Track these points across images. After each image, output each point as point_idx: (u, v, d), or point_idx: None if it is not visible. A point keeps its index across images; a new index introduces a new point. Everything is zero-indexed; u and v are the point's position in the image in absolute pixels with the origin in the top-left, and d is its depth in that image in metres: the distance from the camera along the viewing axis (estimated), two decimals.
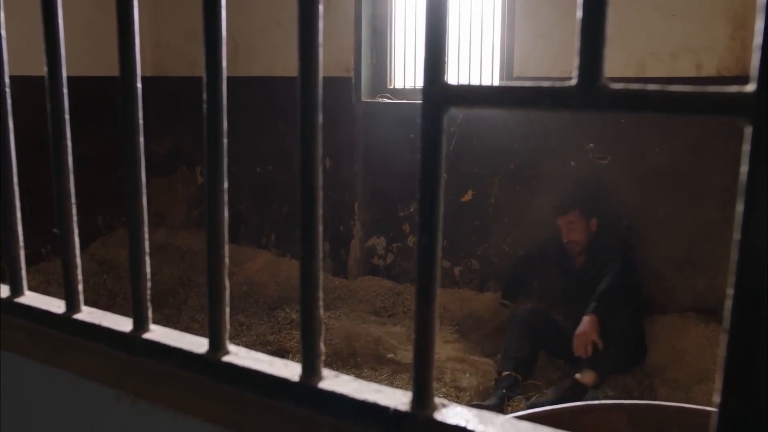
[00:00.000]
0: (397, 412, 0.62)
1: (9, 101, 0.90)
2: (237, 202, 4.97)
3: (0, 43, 0.89)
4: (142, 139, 0.79)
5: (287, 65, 4.43)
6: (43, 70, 0.82)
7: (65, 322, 0.88)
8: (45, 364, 0.85)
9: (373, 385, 0.67)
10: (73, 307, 0.89)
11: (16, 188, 0.93)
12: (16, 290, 0.96)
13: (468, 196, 4.07)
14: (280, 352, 3.51)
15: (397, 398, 0.63)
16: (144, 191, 0.80)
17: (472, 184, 4.07)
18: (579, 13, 0.49)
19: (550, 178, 3.78)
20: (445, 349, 3.36)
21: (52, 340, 0.88)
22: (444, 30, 0.55)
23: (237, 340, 3.74)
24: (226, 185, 0.73)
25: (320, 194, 0.66)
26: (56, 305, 0.90)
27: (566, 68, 3.57)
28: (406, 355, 3.40)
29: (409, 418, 0.61)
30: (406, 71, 4.36)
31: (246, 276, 4.67)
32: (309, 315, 0.68)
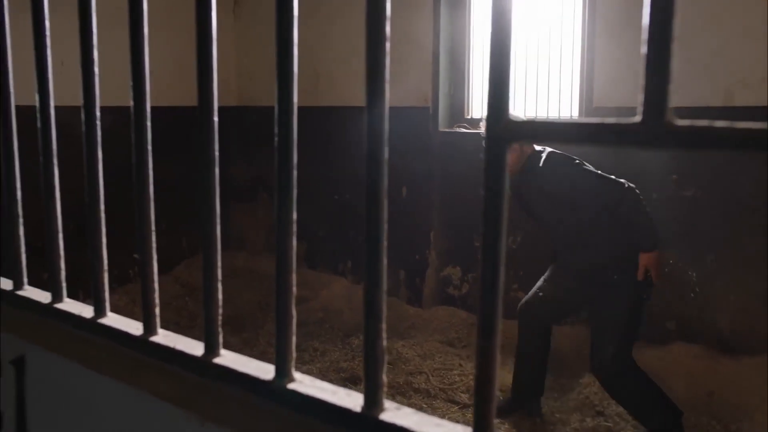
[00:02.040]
0: None
1: (99, 131, 0.96)
2: (315, 229, 5.06)
3: (93, 79, 0.95)
4: (217, 170, 0.82)
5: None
6: (129, 102, 0.87)
7: (142, 344, 0.92)
8: (123, 383, 0.88)
9: (434, 419, 0.66)
10: (150, 329, 0.92)
11: (103, 214, 0.99)
12: (100, 311, 1.01)
13: None
14: (353, 380, 3.52)
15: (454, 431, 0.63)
16: (218, 221, 0.83)
17: None
18: (643, 49, 0.49)
19: None
20: (508, 375, 3.29)
21: (130, 361, 0.92)
22: (507, 67, 0.56)
23: (311, 365, 3.78)
24: (295, 215, 0.75)
25: (385, 226, 0.66)
26: (135, 327, 0.95)
27: (729, 96, 3.45)
28: None
29: None
30: (484, 101, 4.35)
31: (322, 302, 4.73)
32: (372, 346, 0.69)
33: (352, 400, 0.71)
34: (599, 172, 2.96)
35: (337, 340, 4.12)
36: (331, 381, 0.74)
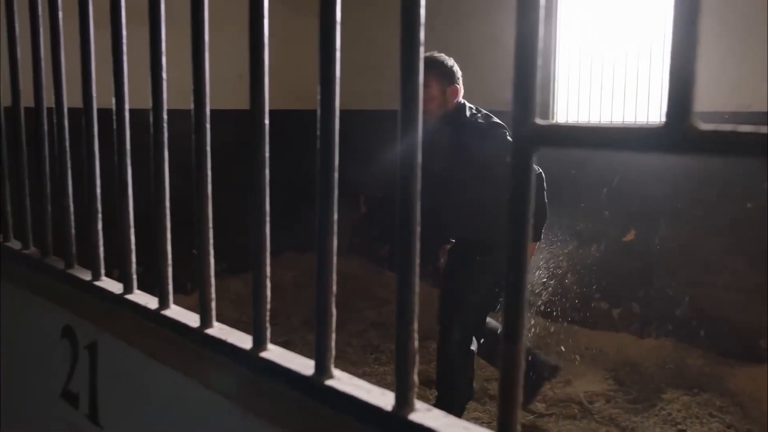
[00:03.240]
0: None
1: (166, 133, 1.01)
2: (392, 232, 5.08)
3: (161, 83, 1.00)
4: (267, 171, 0.85)
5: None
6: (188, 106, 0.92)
7: (198, 336, 0.96)
8: (178, 372, 0.93)
9: (463, 422, 0.66)
10: (206, 322, 0.96)
11: (168, 212, 1.04)
12: (164, 303, 1.06)
13: (630, 236, 3.87)
14: (427, 383, 3.52)
15: None
16: (267, 219, 0.86)
17: (634, 224, 3.86)
18: (668, 51, 0.47)
19: (722, 219, 3.49)
20: (588, 388, 3.20)
21: (187, 351, 0.97)
22: (534, 69, 0.55)
23: (387, 367, 3.82)
24: (336, 216, 0.77)
25: (417, 229, 0.67)
26: (193, 320, 0.99)
27: (744, 101, 3.30)
28: (549, 395, 3.27)
29: None
30: (569, 106, 4.26)
31: None
32: (403, 347, 0.69)
33: (384, 399, 0.72)
34: None
35: None
36: None
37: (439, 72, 2.80)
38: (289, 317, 4.47)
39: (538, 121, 0.56)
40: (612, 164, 3.89)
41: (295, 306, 4.57)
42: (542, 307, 4.31)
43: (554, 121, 4.11)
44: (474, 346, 2.87)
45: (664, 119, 0.48)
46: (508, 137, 2.66)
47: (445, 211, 2.87)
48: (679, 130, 0.47)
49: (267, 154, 0.84)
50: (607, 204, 3.94)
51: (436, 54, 2.79)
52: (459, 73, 2.85)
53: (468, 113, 2.81)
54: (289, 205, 4.51)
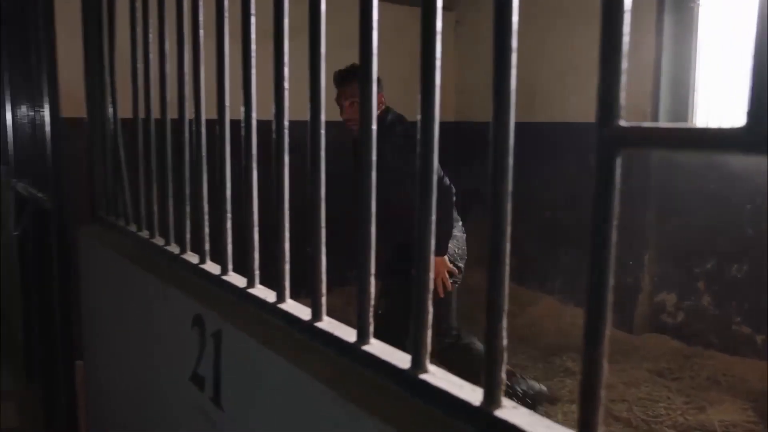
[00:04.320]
0: None
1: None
2: (525, 245, 5.02)
3: (282, 93, 1.08)
4: (374, 178, 0.89)
5: (581, 110, 4.39)
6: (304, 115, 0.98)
7: (308, 328, 1.02)
8: (290, 362, 0.99)
9: (546, 421, 0.67)
10: (316, 315, 1.03)
11: (286, 214, 1.11)
12: (281, 298, 1.14)
13: None
14: (550, 399, 3.44)
15: None
16: (372, 228, 0.89)
17: None
18: (748, 53, 0.47)
19: None
20: (725, 417, 2.98)
21: (298, 343, 1.03)
22: (618, 70, 0.56)
23: (509, 381, 3.77)
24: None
25: (508, 230, 0.69)
26: (305, 313, 1.06)
27: None
28: (680, 421, 3.09)
29: None
30: (710, 117, 4.02)
31: (528, 319, 4.68)
32: (492, 345, 0.71)
33: (474, 395, 0.74)
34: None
35: (539, 359, 4.04)
36: None
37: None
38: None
39: (622, 123, 0.56)
40: (756, 180, 3.63)
41: None
42: (676, 328, 4.08)
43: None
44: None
45: (744, 119, 0.48)
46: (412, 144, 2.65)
47: (384, 224, 2.92)
48: (760, 131, 0.47)
49: (374, 159, 0.89)
50: (750, 222, 3.68)
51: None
52: (381, 82, 2.90)
53: (389, 120, 2.86)
54: None
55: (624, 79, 0.56)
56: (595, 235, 0.59)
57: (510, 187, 0.70)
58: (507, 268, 0.70)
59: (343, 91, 2.94)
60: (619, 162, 0.57)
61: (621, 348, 4.04)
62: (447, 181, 2.84)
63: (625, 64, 0.56)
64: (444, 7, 5.34)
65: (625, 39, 0.56)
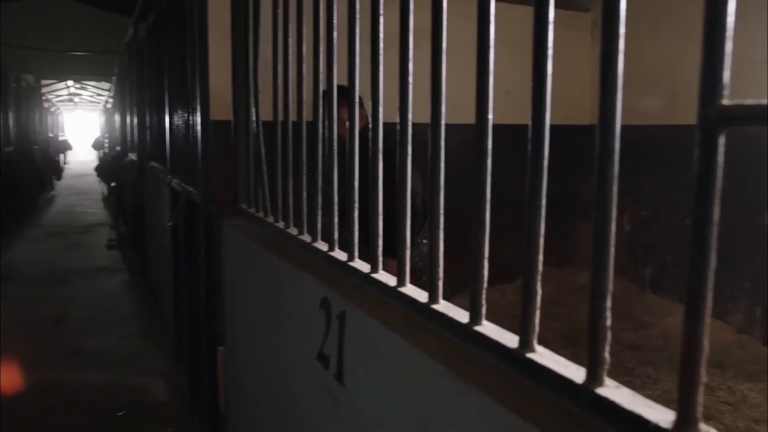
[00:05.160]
0: (657, 428, 0.63)
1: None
2: (662, 253, 4.81)
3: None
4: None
5: None
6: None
7: (424, 310, 1.08)
8: (407, 341, 1.05)
9: (648, 401, 0.68)
10: (433, 298, 1.08)
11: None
12: (401, 281, 1.20)
13: None
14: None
15: (662, 415, 0.64)
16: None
17: None
18: None
19: None
20: None
21: (415, 323, 1.09)
22: (722, 46, 0.57)
23: (641, 391, 3.61)
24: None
25: (613, 228, 0.71)
26: (423, 296, 1.11)
27: None
28: None
29: None
30: None
31: (664, 329, 4.48)
32: (595, 325, 0.73)
33: (577, 374, 0.76)
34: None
35: (674, 370, 3.85)
36: None
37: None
38: (544, 331, 4.46)
39: (725, 101, 0.57)
40: None
41: (550, 321, 4.55)
42: None
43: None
44: None
45: None
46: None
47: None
48: None
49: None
50: None
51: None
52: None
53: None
54: (551, 220, 4.52)
55: (728, 59, 0.57)
56: (697, 218, 0.60)
57: (615, 189, 0.71)
58: (612, 250, 0.72)
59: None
60: (722, 141, 0.58)
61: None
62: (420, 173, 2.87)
63: (729, 45, 0.57)
64: (580, 8, 5.24)
65: (730, 19, 0.56)
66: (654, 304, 4.79)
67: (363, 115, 3.18)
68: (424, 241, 3.20)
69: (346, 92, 1.38)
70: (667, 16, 4.57)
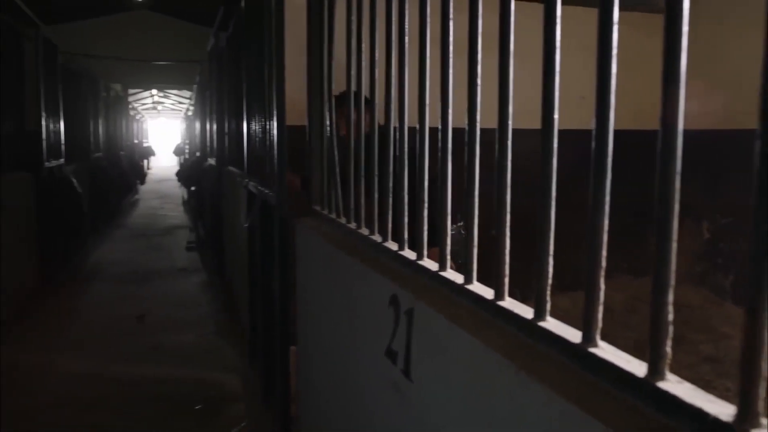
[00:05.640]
0: (716, 421, 0.64)
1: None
2: (743, 263, 4.63)
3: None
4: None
5: None
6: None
7: (490, 306, 1.10)
8: (472, 336, 1.08)
9: (710, 396, 0.69)
10: (499, 295, 1.11)
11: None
12: (469, 279, 1.23)
13: None
14: None
15: (722, 409, 0.65)
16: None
17: None
18: None
19: None
20: None
21: (480, 319, 1.12)
22: None
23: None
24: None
25: (675, 225, 0.72)
26: (488, 293, 1.14)
27: None
28: None
29: (725, 428, 0.63)
30: None
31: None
32: (657, 320, 0.74)
33: (639, 368, 0.77)
34: None
35: None
36: None
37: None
38: (616, 339, 4.37)
39: None
40: None
41: (623, 329, 4.45)
42: None
43: None
44: None
45: None
46: None
47: None
48: None
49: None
50: None
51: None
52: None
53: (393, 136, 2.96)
54: (628, 228, 4.44)
55: None
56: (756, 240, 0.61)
57: (677, 183, 0.72)
58: (674, 245, 0.73)
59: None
60: None
61: None
62: None
63: None
64: (657, 10, 5.11)
65: None
66: (734, 315, 4.62)
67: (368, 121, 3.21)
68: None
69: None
70: (756, 14, 4.41)
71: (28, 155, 6.01)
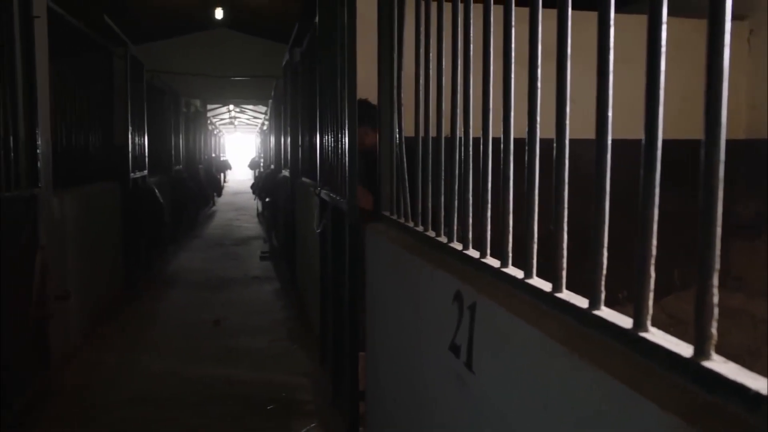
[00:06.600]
0: (757, 395, 0.68)
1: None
2: None
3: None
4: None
5: None
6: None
7: (548, 298, 1.16)
8: (531, 326, 1.13)
9: (754, 374, 0.73)
10: (557, 288, 1.16)
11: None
12: (529, 274, 1.28)
13: None
14: None
15: (764, 385, 0.69)
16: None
17: None
18: None
19: None
20: None
21: (538, 309, 1.17)
22: None
23: None
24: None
25: (717, 219, 0.76)
26: (546, 285, 1.19)
27: None
28: None
29: (766, 402, 0.66)
30: None
31: None
32: (703, 301, 0.78)
33: (687, 350, 0.81)
34: None
35: None
36: None
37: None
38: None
39: None
40: None
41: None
42: None
43: None
44: None
45: None
46: None
47: None
48: None
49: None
50: None
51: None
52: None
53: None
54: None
55: None
56: None
57: (721, 172, 0.76)
58: (718, 230, 0.77)
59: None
60: None
61: None
62: None
63: None
64: (735, 17, 5.00)
65: None
66: None
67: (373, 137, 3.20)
68: None
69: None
70: None
71: (115, 167, 6.37)
